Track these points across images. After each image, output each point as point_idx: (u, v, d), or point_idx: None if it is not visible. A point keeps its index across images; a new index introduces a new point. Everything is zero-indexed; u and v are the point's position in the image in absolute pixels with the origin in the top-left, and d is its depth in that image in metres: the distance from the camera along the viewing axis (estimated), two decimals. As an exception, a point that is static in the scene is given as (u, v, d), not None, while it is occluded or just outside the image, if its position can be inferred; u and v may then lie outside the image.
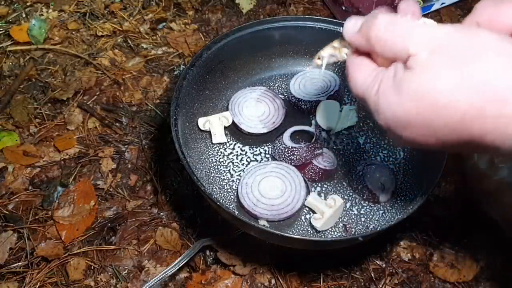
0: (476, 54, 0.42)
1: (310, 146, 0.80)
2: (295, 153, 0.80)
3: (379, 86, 0.46)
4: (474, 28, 0.45)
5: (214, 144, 0.86)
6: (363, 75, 0.48)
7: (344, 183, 0.83)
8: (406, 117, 0.44)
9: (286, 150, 0.81)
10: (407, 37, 0.43)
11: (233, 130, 0.88)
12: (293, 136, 0.85)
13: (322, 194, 0.81)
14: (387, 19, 0.45)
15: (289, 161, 0.80)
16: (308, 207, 0.79)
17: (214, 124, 0.86)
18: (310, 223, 0.77)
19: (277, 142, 0.83)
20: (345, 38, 0.48)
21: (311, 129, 0.86)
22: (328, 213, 0.75)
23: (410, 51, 0.43)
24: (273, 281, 0.84)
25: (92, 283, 0.83)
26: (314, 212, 0.78)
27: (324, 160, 0.81)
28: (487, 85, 0.41)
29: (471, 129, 0.43)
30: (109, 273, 0.85)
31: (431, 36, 0.43)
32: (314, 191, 0.81)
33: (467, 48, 0.42)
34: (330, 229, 0.77)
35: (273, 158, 0.84)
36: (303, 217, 0.79)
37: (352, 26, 0.48)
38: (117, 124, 1.02)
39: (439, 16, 1.22)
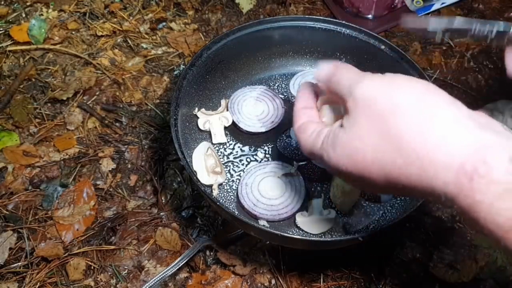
0: (392, 110, 0.44)
1: None
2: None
3: (322, 141, 0.50)
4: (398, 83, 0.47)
5: (214, 144, 0.86)
6: (307, 134, 0.53)
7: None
8: (346, 171, 0.48)
9: (292, 143, 0.80)
10: (351, 85, 0.48)
11: (233, 130, 0.88)
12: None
13: (322, 194, 0.81)
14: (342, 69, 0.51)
15: (293, 155, 0.80)
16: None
17: (214, 124, 0.86)
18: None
19: (283, 135, 0.83)
20: (318, 80, 0.56)
21: None
22: (314, 216, 0.76)
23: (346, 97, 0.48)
24: (273, 281, 0.84)
25: (92, 283, 0.83)
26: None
27: (323, 160, 0.81)
28: (402, 141, 0.42)
29: (401, 182, 0.44)
30: (109, 273, 0.85)
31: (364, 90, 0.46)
32: (318, 194, 0.81)
33: (386, 105, 0.44)
34: (330, 229, 0.77)
35: (278, 151, 0.83)
36: (303, 217, 0.79)
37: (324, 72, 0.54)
38: (117, 124, 1.02)
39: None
